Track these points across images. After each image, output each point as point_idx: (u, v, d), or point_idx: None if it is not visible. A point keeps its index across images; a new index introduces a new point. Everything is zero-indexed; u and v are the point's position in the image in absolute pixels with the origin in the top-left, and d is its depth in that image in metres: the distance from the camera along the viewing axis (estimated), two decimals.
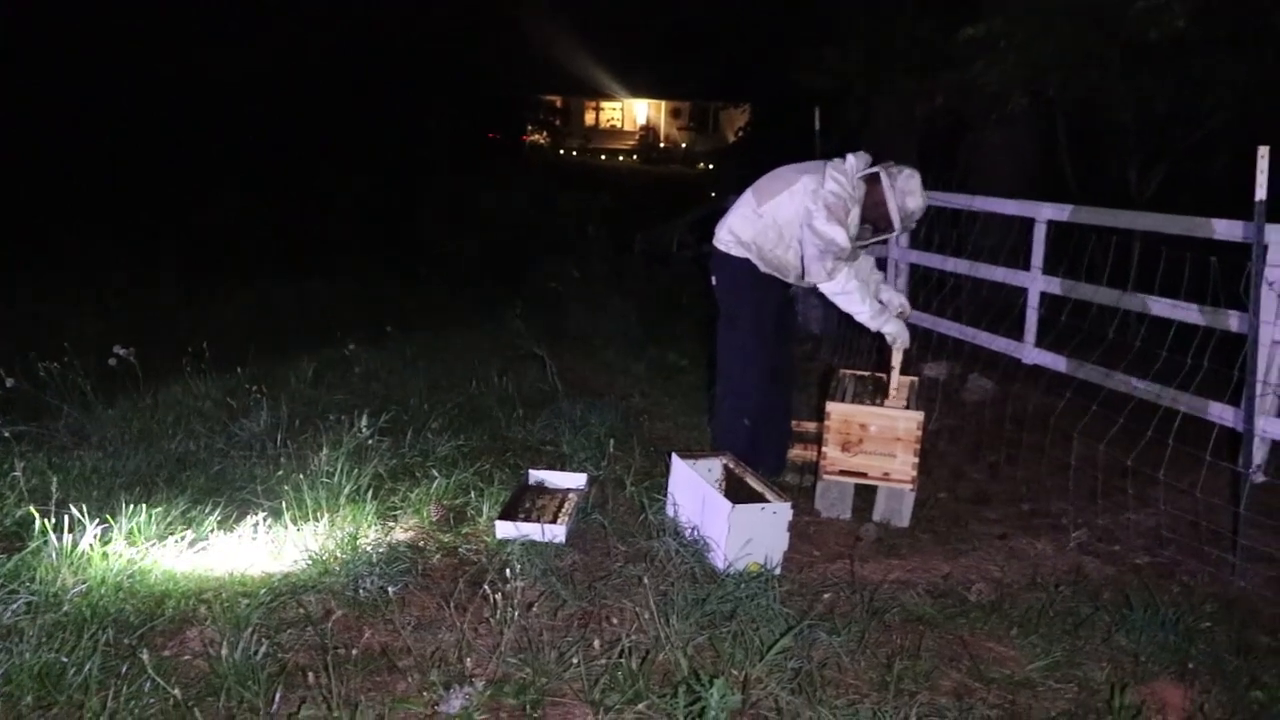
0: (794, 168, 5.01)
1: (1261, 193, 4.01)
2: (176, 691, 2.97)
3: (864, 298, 4.91)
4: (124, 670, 3.12)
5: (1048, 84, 9.26)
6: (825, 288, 4.91)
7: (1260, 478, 5.14)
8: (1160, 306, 5.65)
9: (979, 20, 9.19)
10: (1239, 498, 4.39)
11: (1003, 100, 9.36)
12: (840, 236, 4.77)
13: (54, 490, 4.18)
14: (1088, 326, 6.03)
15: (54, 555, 3.75)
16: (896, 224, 4.88)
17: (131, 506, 4.15)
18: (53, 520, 3.88)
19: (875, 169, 4.86)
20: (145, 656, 3.11)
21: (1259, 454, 5.17)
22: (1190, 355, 5.10)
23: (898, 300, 5.13)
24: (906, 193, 4.84)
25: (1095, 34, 8.72)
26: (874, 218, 4.89)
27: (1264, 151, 3.96)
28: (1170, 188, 9.92)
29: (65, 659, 3.14)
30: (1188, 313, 5.46)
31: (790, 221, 4.90)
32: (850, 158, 4.89)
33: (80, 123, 21.30)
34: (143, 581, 3.74)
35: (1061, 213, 6.47)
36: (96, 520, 3.95)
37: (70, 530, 3.86)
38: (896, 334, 4.93)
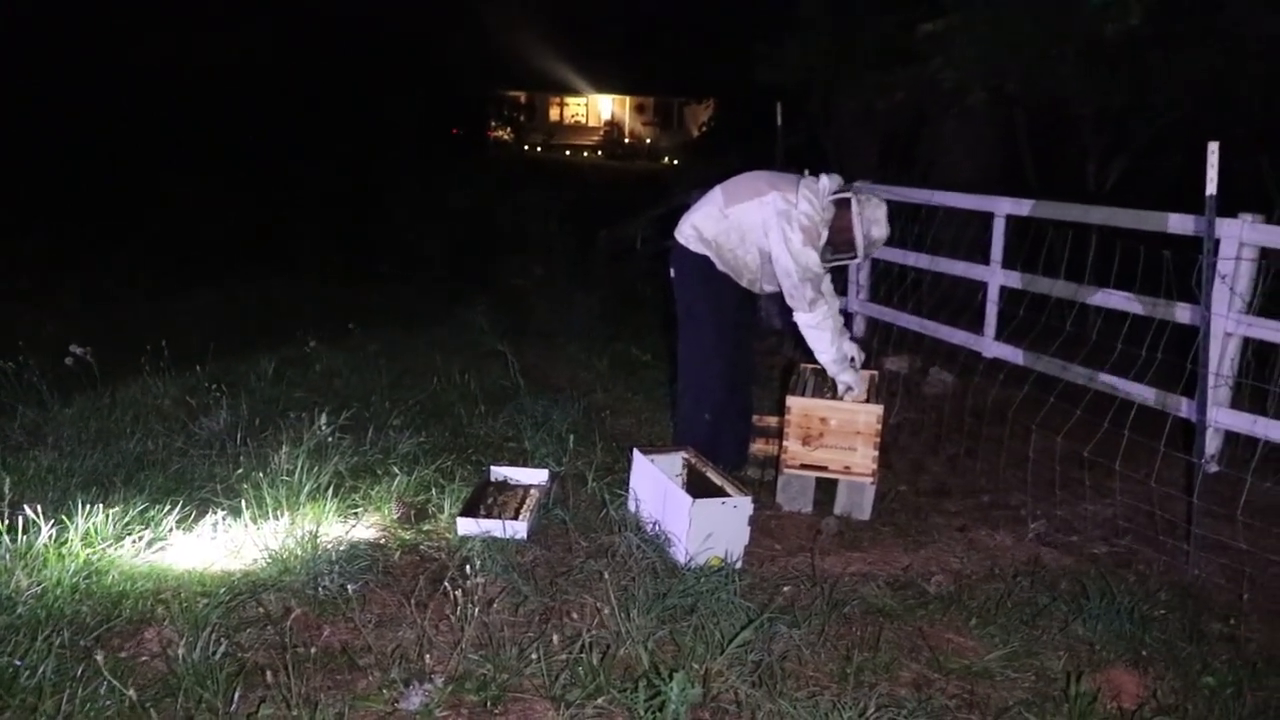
0: (765, 177, 5.00)
1: (1212, 188, 4.07)
2: (132, 693, 2.94)
3: (834, 340, 4.92)
4: (79, 672, 3.10)
5: (1006, 79, 9.33)
6: (801, 318, 4.92)
7: (1214, 468, 5.23)
8: (1116, 299, 5.72)
9: (938, 16, 9.26)
10: (1193, 487, 4.45)
11: (962, 95, 9.42)
12: (815, 260, 4.81)
13: (7, 491, 4.13)
14: (1045, 319, 6.09)
15: (7, 557, 3.71)
16: (860, 251, 4.91)
17: (88, 506, 4.10)
18: (6, 521, 3.83)
19: (846, 194, 4.87)
20: (101, 658, 3.08)
21: (1212, 444, 5.27)
22: (1145, 347, 5.17)
23: (853, 351, 5.14)
24: (873, 221, 4.87)
25: (1051, 30, 8.80)
26: (838, 241, 4.89)
27: (1214, 147, 4.01)
28: (1129, 181, 10.03)
29: (19, 662, 3.11)
30: (1142, 305, 5.54)
31: (754, 227, 4.90)
32: (824, 178, 4.90)
33: (37, 118, 21.00)
34: (99, 582, 3.70)
35: (1020, 207, 6.54)
36: (52, 521, 3.91)
37: (25, 531, 3.82)
38: (852, 385, 4.97)
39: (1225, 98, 8.98)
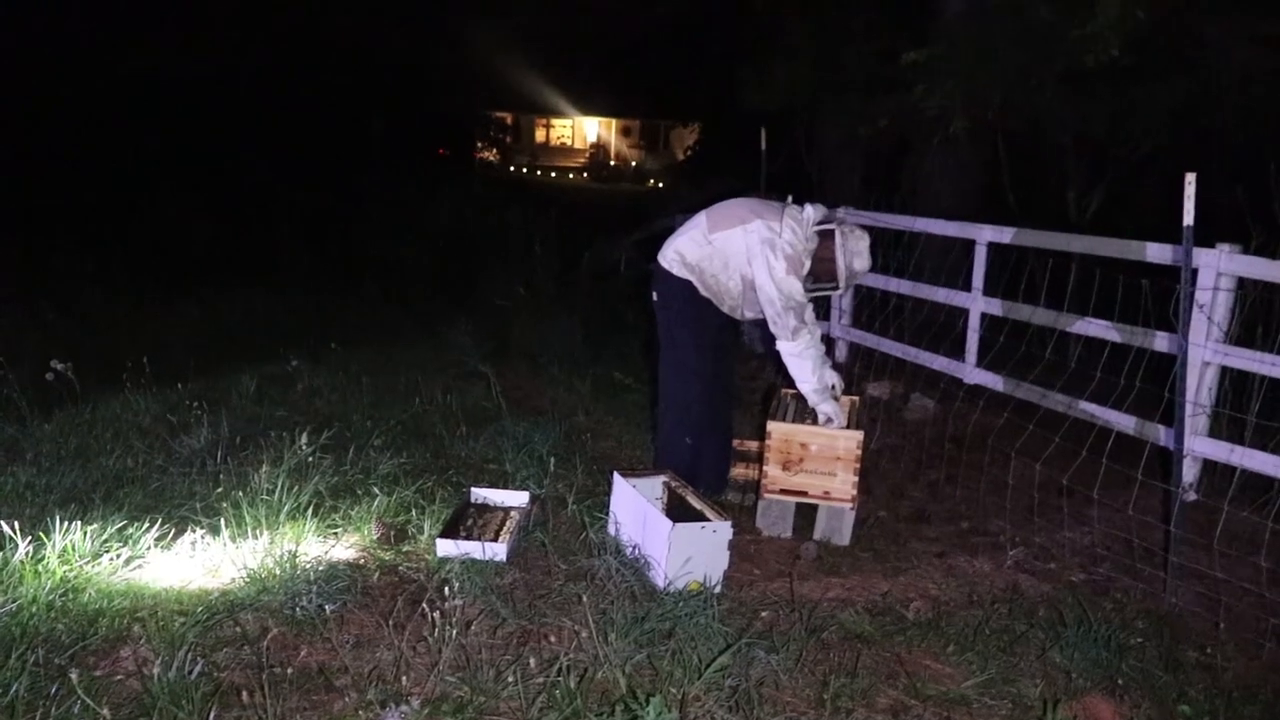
0: (750, 204, 5.03)
1: (1189, 218, 4.10)
2: (106, 712, 2.93)
3: (815, 369, 4.94)
4: (53, 691, 3.08)
5: (988, 108, 9.42)
6: (783, 346, 4.93)
7: (1191, 496, 5.25)
8: (1095, 328, 5.76)
9: (921, 45, 9.35)
10: (1171, 516, 4.47)
11: (944, 123, 9.50)
12: (798, 289, 4.83)
13: None
14: (1026, 346, 6.13)
15: None
16: (842, 282, 4.93)
17: (66, 523, 4.08)
18: None
19: (830, 225, 4.89)
20: (75, 676, 3.06)
21: (1189, 473, 5.29)
22: (1123, 375, 5.21)
23: (834, 379, 5.17)
24: (855, 254, 4.89)
25: (1033, 61, 8.89)
26: (820, 271, 4.91)
27: (1191, 178, 4.05)
28: (1109, 209, 10.13)
29: None
30: (1120, 334, 5.58)
31: (737, 254, 4.92)
32: (808, 208, 4.93)
33: (16, 127, 20.90)
34: (76, 600, 3.68)
35: (1001, 235, 6.58)
36: (29, 537, 3.89)
37: (1, 548, 3.80)
38: (832, 415, 4.98)
39: (1203, 128, 9.09)
